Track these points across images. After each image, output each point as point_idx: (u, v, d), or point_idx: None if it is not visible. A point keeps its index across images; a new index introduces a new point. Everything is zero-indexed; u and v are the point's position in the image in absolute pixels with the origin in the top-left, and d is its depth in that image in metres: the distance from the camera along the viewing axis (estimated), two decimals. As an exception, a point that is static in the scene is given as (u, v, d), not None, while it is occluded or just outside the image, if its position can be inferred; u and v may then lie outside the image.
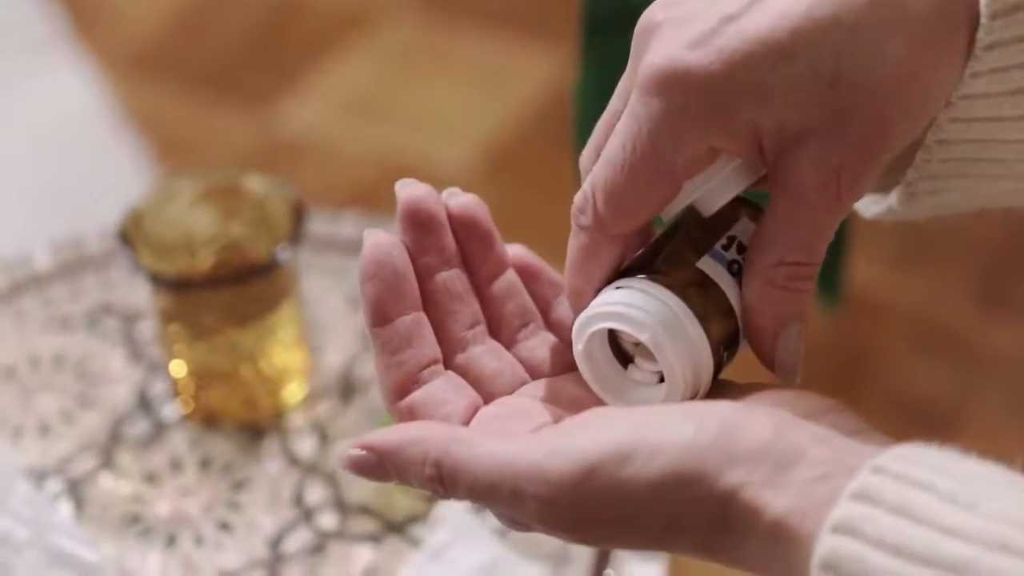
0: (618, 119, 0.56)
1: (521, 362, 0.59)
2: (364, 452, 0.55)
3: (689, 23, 0.54)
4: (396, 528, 0.94)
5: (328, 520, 0.94)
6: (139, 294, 1.09)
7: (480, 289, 0.59)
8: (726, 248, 0.57)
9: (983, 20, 0.54)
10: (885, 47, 0.53)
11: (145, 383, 1.03)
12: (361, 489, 0.96)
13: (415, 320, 0.57)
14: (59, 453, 0.99)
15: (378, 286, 0.56)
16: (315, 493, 0.96)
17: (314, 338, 1.04)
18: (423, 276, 0.57)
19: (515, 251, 0.60)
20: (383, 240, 0.57)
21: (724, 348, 0.56)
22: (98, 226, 1.14)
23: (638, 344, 0.56)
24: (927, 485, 0.48)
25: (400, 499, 0.95)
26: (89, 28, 2.39)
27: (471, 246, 0.59)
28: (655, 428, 0.51)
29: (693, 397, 0.55)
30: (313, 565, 0.92)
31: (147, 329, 1.06)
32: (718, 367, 0.56)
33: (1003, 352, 1.85)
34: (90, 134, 2.27)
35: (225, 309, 0.97)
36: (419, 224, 0.57)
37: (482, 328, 0.58)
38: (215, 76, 2.36)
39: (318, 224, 1.11)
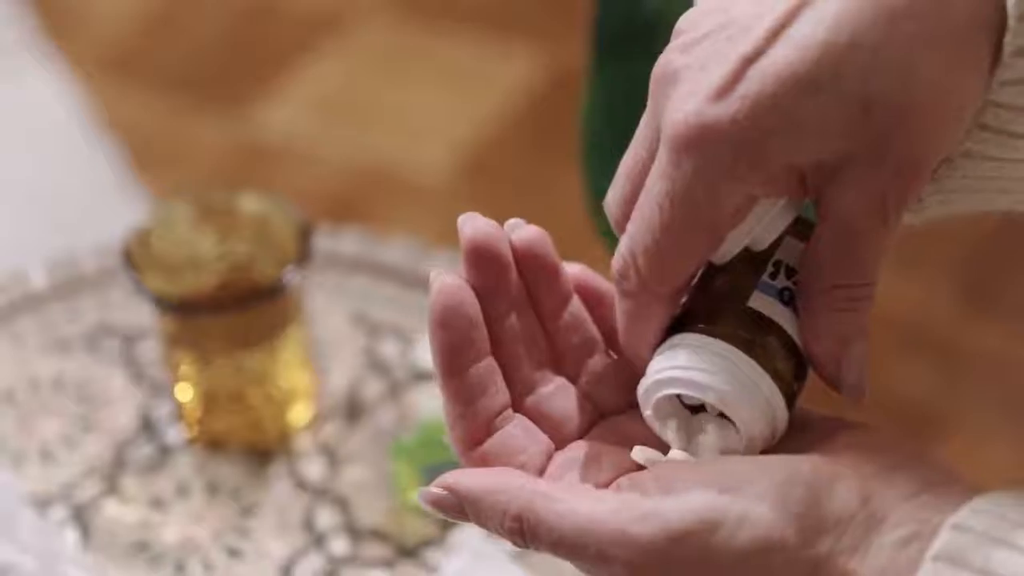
0: (641, 167, 0.55)
1: (588, 397, 0.58)
2: (444, 492, 0.54)
3: (708, 68, 0.52)
4: (409, 553, 0.92)
5: (340, 545, 0.93)
6: (138, 314, 1.07)
7: (545, 322, 0.58)
8: (774, 276, 0.56)
9: (1010, 23, 0.52)
10: (915, 64, 0.52)
11: (148, 406, 1.02)
12: (372, 513, 0.95)
13: (487, 368, 0.56)
14: (62, 479, 0.97)
15: (450, 335, 0.55)
16: (325, 518, 0.95)
17: (317, 358, 1.03)
18: (491, 319, 0.56)
19: (575, 272, 0.59)
20: (452, 285, 0.55)
21: (795, 381, 0.55)
22: (87, 239, 1.13)
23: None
24: (1009, 542, 0.48)
25: (412, 523, 0.93)
26: (60, 31, 2.37)
27: (536, 280, 0.58)
28: (740, 495, 0.51)
29: (771, 440, 0.55)
30: (326, 592, 0.91)
31: (147, 350, 1.05)
32: (791, 400, 0.55)
33: (990, 353, 1.85)
34: (65, 140, 2.24)
35: (231, 332, 0.96)
36: (485, 263, 0.56)
37: (550, 366, 0.58)
38: (189, 80, 2.34)
39: (318, 240, 1.10)
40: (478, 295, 0.56)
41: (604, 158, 1.09)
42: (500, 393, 0.56)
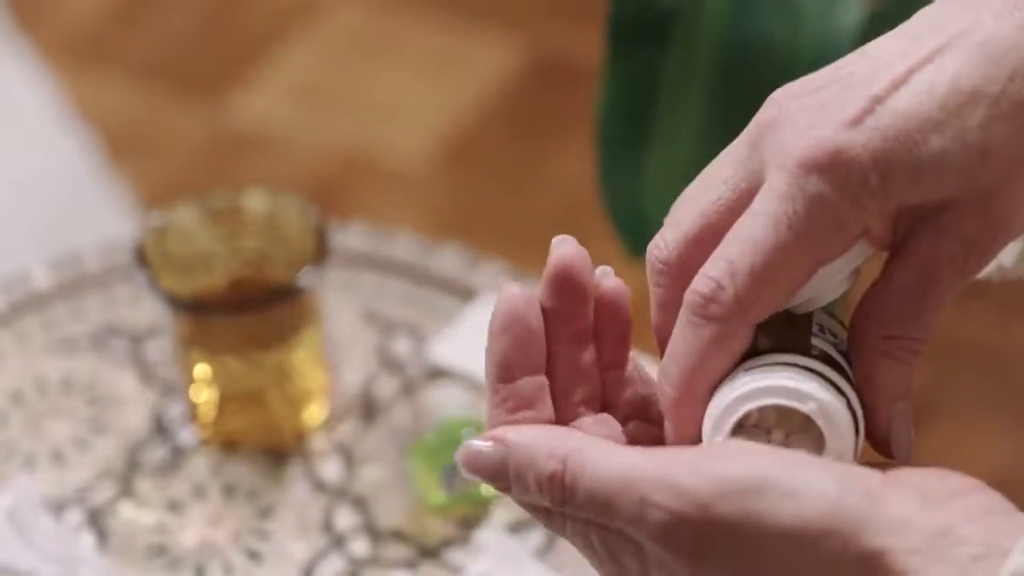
0: (722, 205, 0.55)
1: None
2: (490, 444, 0.55)
3: (830, 108, 0.54)
4: (431, 554, 0.92)
5: (360, 546, 0.92)
6: (145, 313, 1.06)
7: (604, 371, 0.58)
8: (821, 332, 0.56)
9: None
10: None
11: (160, 407, 1.01)
12: (391, 514, 0.94)
13: (538, 385, 0.56)
14: (76, 482, 0.96)
15: (508, 342, 0.55)
16: (345, 518, 0.94)
17: (329, 356, 1.02)
18: (553, 341, 0.56)
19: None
20: (518, 296, 0.55)
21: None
22: (63, 231, 1.11)
23: (776, 426, 0.54)
24: None
25: (433, 523, 0.93)
26: (30, 19, 2.34)
27: (606, 330, 0.57)
28: (798, 474, 0.51)
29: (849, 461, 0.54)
30: (349, 594, 0.90)
31: (156, 349, 1.04)
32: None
33: (976, 341, 1.86)
34: (37, 131, 2.22)
35: (247, 332, 0.95)
36: (564, 289, 0.56)
37: (596, 405, 0.58)
38: (163, 68, 2.32)
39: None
40: (548, 317, 0.56)
41: (618, 149, 1.09)
42: (546, 413, 0.56)
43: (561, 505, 0.54)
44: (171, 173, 2.15)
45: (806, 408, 0.53)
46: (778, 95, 0.56)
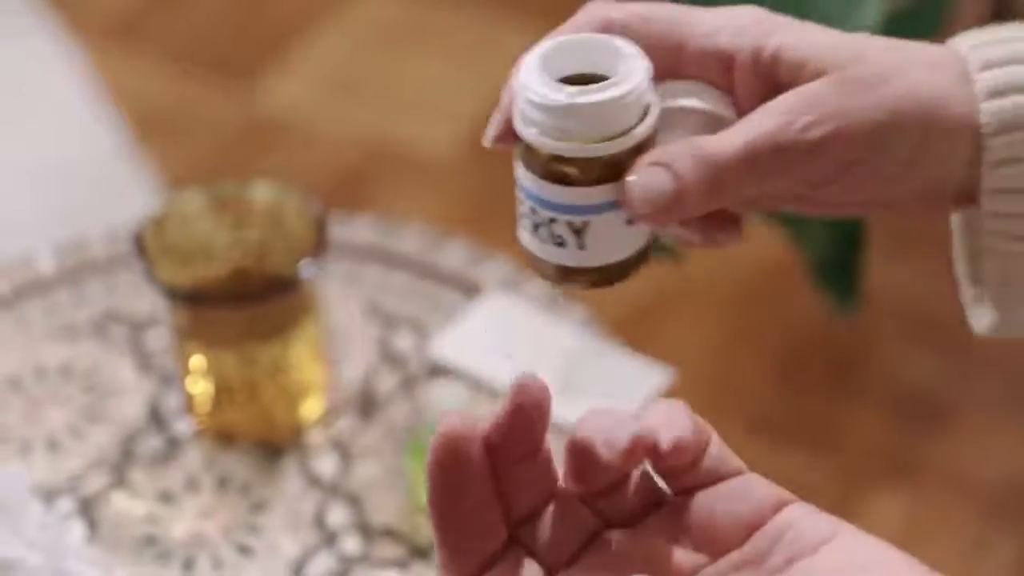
0: None
1: None
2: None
3: None
4: (422, 553, 0.91)
5: (352, 544, 0.91)
6: (146, 301, 1.05)
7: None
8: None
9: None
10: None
11: (156, 396, 1.00)
12: (385, 512, 0.93)
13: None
14: (69, 470, 0.95)
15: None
16: (337, 515, 0.93)
17: (330, 349, 1.01)
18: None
19: None
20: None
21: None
22: (92, 213, 1.11)
23: None
24: None
25: (425, 523, 0.92)
26: (64, 1, 2.34)
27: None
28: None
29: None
30: (338, 592, 0.89)
31: (156, 338, 1.03)
32: None
33: (996, 340, 1.83)
34: (68, 114, 2.22)
35: (245, 323, 0.94)
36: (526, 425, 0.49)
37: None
38: (194, 53, 2.31)
39: (331, 228, 1.08)
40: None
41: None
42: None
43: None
44: (199, 157, 2.15)
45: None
46: None
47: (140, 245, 0.93)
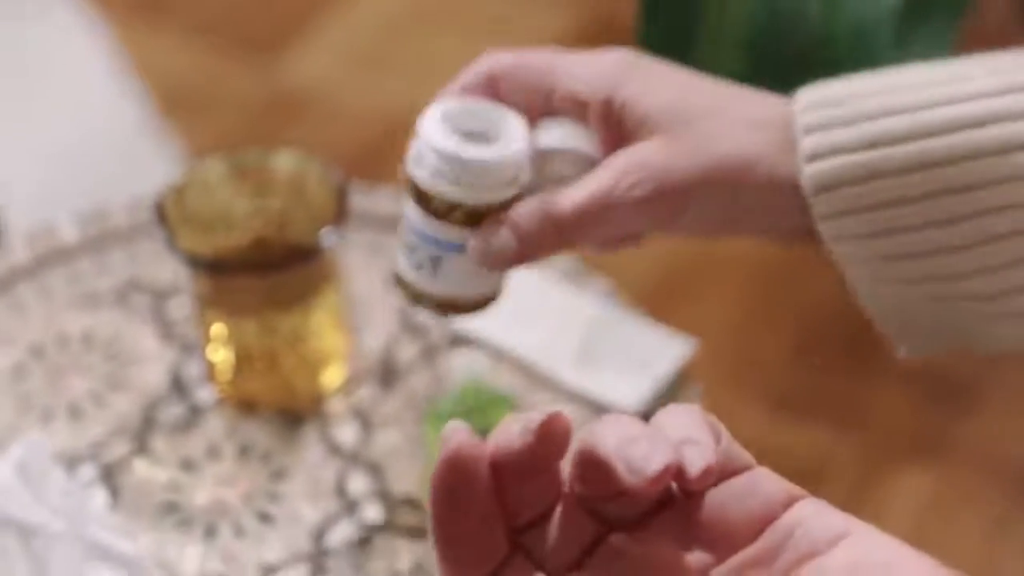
0: None
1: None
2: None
3: None
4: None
5: (373, 512, 0.91)
6: (168, 269, 1.05)
7: None
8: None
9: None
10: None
11: (178, 364, 1.00)
12: (405, 480, 0.93)
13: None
14: (91, 438, 0.96)
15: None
16: (358, 483, 0.93)
17: (351, 318, 1.01)
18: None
19: None
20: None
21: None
22: (117, 185, 1.11)
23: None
24: None
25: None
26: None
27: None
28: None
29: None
30: (359, 560, 0.89)
31: (178, 307, 1.03)
32: None
33: None
34: (92, 87, 2.22)
35: (265, 292, 0.94)
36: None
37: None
38: (219, 26, 2.31)
39: (353, 198, 1.08)
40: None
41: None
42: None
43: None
44: (223, 130, 2.15)
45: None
46: None
47: (161, 213, 0.93)
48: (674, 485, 0.47)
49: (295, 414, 0.97)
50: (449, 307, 0.77)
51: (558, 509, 0.48)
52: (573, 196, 0.73)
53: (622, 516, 0.47)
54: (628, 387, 0.98)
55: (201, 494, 0.93)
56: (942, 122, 0.69)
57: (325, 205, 0.94)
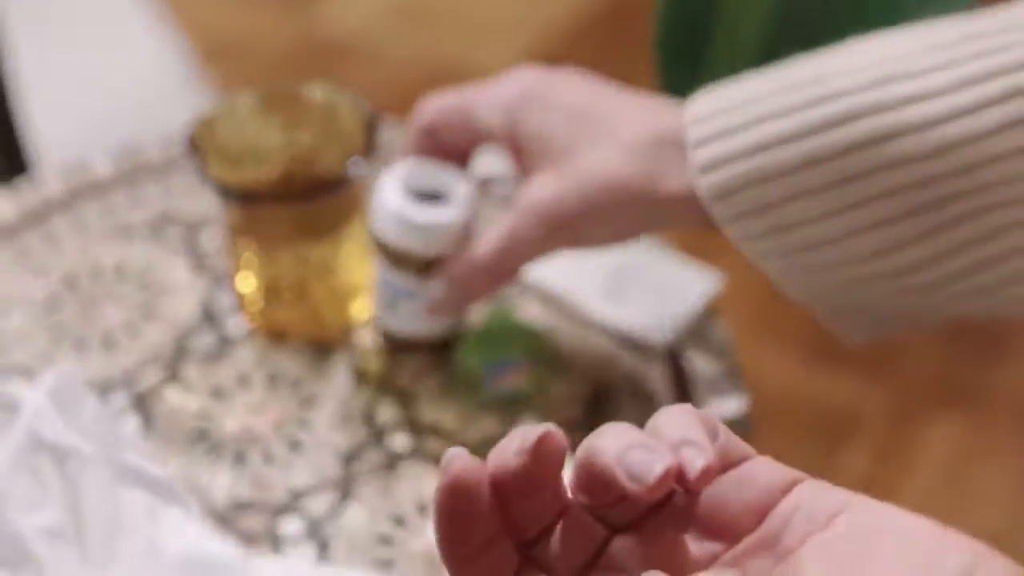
0: None
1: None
2: None
3: None
4: (472, 451, 0.91)
5: (400, 441, 0.92)
6: (201, 203, 1.06)
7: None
8: None
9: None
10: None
11: (209, 295, 1.01)
12: (433, 409, 0.94)
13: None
14: (124, 366, 0.97)
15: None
16: (386, 413, 0.94)
17: (381, 252, 1.02)
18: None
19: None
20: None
21: None
22: (154, 130, 1.12)
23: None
24: None
25: (475, 420, 0.93)
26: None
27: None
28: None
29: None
30: (385, 485, 0.90)
31: (210, 239, 1.04)
32: None
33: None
34: (130, 31, 2.23)
35: (295, 222, 0.94)
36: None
37: None
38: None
39: (385, 133, 1.09)
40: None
41: (675, 50, 1.07)
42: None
43: None
44: (261, 79, 2.16)
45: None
46: None
47: (193, 144, 0.94)
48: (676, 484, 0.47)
49: (324, 344, 0.98)
50: (408, 344, 0.93)
51: (563, 520, 0.48)
52: (486, 243, 0.84)
53: (627, 518, 0.48)
54: (655, 320, 0.98)
55: (231, 422, 0.94)
56: (823, 119, 0.72)
57: (356, 137, 0.95)
